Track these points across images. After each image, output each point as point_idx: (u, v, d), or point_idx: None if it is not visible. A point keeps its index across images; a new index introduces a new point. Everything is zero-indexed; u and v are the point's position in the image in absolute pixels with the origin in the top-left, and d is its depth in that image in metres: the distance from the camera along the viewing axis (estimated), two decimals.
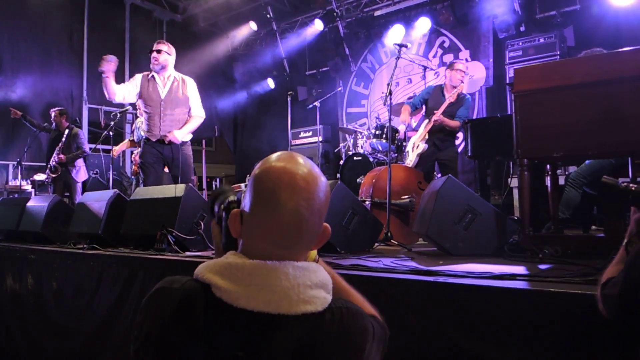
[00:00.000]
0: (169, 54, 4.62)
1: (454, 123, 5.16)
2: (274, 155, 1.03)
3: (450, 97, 5.15)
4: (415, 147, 5.17)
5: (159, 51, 4.56)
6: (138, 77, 4.65)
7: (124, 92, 4.55)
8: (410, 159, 5.21)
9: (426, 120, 5.26)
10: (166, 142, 4.51)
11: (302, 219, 0.97)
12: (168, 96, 4.57)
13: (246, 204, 1.01)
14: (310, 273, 0.98)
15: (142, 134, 4.68)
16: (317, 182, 0.99)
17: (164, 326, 0.94)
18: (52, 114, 6.85)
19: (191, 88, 4.70)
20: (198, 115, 4.71)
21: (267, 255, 0.96)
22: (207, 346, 0.91)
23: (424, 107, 5.53)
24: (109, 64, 4.32)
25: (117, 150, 7.03)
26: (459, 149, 6.03)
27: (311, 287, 0.97)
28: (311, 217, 0.98)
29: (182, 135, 4.57)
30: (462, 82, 5.25)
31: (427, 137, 5.20)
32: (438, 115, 5.04)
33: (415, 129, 6.13)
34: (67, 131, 6.75)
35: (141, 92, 4.58)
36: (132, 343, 0.98)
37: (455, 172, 5.19)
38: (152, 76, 4.61)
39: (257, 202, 0.98)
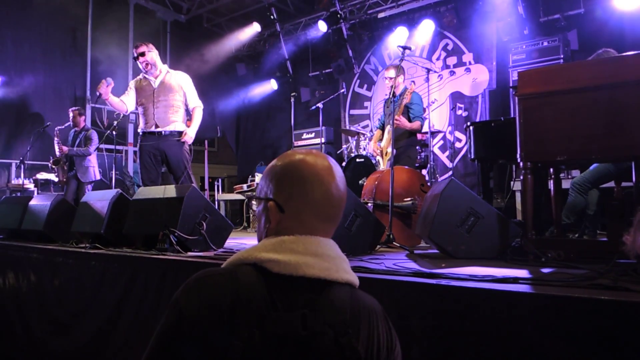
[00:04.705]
0: (150, 51, 4.70)
1: (413, 125, 5.11)
2: (296, 150, 1.21)
3: (402, 99, 5.04)
4: (385, 154, 5.12)
5: (142, 54, 4.63)
6: (131, 83, 4.83)
7: (130, 101, 4.74)
8: (383, 166, 5.15)
9: (388, 126, 5.16)
10: (160, 133, 4.62)
11: (341, 194, 1.16)
12: (161, 85, 4.69)
13: (284, 192, 1.13)
14: (341, 253, 1.16)
15: (139, 131, 4.76)
16: (340, 170, 1.19)
17: (225, 312, 1.01)
18: (71, 114, 6.89)
19: (183, 78, 4.80)
20: (198, 106, 4.81)
21: (313, 231, 1.13)
22: (273, 312, 1.02)
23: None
24: (105, 88, 4.46)
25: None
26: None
27: (347, 262, 1.15)
28: (344, 195, 1.18)
29: (194, 131, 4.71)
30: (392, 87, 5.03)
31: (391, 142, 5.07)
32: (397, 117, 4.91)
33: None
34: (83, 132, 6.83)
35: (136, 91, 4.73)
36: (158, 335, 1.05)
37: (408, 161, 5.07)
38: (144, 76, 4.75)
39: (301, 185, 1.13)
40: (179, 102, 4.72)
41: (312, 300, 1.05)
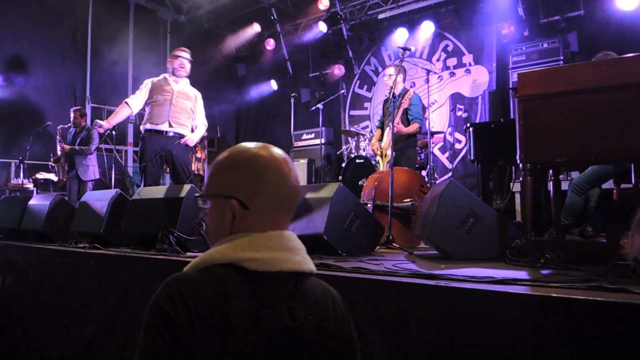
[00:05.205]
0: (191, 60, 4.90)
1: (411, 129, 5.12)
2: (251, 144, 1.18)
3: (403, 102, 5.00)
4: (384, 155, 5.13)
5: (188, 60, 4.84)
6: (147, 81, 4.84)
7: (135, 104, 4.80)
8: (382, 167, 5.13)
9: (387, 129, 5.10)
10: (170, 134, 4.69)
11: (299, 184, 1.18)
12: (181, 89, 4.79)
13: (246, 188, 1.12)
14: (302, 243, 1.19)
15: (143, 127, 4.78)
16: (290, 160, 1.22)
17: (213, 313, 0.99)
18: (73, 114, 6.91)
19: (199, 94, 4.96)
20: (203, 124, 4.96)
21: (278, 224, 1.14)
22: (261, 309, 1.03)
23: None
24: (99, 128, 4.75)
25: None
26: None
27: (306, 251, 1.18)
28: (299, 184, 1.20)
29: (196, 137, 4.86)
30: (391, 87, 5.00)
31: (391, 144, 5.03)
32: (396, 123, 4.89)
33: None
34: (84, 131, 6.87)
35: (152, 90, 4.76)
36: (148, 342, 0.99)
37: (408, 162, 5.07)
38: (165, 78, 4.82)
39: (265, 179, 1.12)
40: (191, 110, 4.84)
41: (291, 293, 1.09)
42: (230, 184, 1.13)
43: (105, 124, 4.71)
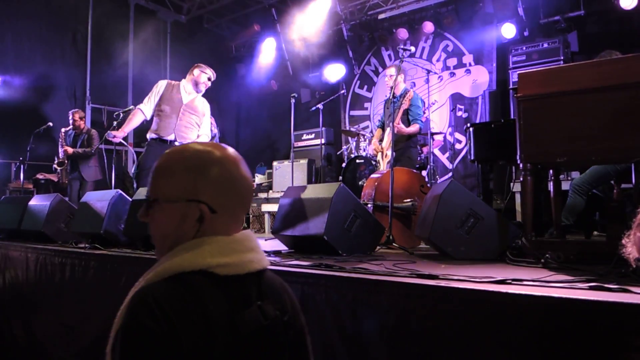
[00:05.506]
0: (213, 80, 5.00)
1: (411, 130, 5.13)
2: (204, 144, 1.16)
3: (403, 103, 5.00)
4: (385, 155, 5.13)
5: (210, 83, 4.93)
6: (161, 84, 4.84)
7: (148, 109, 4.79)
8: (382, 167, 5.13)
9: (388, 129, 5.13)
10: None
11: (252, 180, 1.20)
12: (190, 103, 4.81)
13: (212, 190, 1.09)
14: None
15: (149, 136, 4.79)
16: None
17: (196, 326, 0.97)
18: (71, 117, 6.91)
19: (207, 107, 4.98)
20: (205, 134, 4.98)
21: (239, 223, 1.16)
22: (236, 314, 1.03)
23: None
24: (112, 139, 4.72)
25: None
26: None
27: None
28: None
29: None
30: (391, 87, 5.01)
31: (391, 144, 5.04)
32: (397, 123, 4.90)
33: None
34: (84, 134, 6.92)
35: (163, 95, 4.77)
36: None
37: (408, 162, 5.08)
38: (180, 86, 4.83)
39: (230, 181, 1.11)
40: (197, 125, 4.88)
41: (257, 291, 1.12)
42: (194, 186, 1.08)
43: (120, 133, 4.69)
